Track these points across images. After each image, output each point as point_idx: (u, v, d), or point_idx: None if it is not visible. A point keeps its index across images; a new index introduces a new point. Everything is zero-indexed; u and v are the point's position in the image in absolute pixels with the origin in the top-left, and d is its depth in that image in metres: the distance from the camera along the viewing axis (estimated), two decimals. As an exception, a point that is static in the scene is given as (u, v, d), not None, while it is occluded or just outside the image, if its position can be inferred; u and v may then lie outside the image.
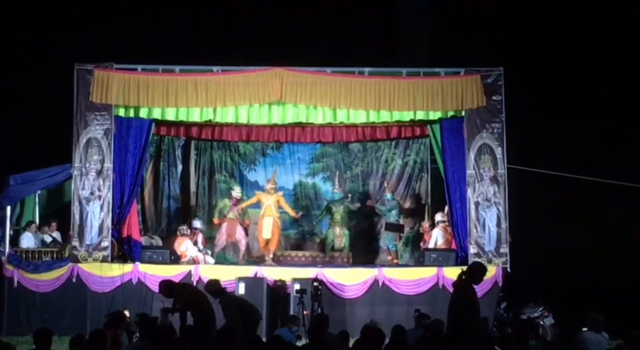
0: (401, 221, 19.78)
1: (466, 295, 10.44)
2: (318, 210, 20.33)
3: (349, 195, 19.92)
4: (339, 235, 19.32)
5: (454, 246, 17.69)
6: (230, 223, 19.10)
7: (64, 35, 19.73)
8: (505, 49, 19.42)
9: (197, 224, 18.91)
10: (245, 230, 19.31)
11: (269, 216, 18.83)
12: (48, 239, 17.90)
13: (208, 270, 16.89)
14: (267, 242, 18.76)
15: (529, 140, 18.85)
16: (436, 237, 18.28)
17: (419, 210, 19.97)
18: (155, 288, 16.14)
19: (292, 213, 19.38)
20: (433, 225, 18.58)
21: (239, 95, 17.17)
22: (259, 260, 18.95)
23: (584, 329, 10.57)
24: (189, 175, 20.49)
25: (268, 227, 18.69)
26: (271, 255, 18.57)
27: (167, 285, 13.18)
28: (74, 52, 18.27)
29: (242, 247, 19.16)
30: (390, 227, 19.52)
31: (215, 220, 19.55)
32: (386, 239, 19.80)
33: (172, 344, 9.58)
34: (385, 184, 20.18)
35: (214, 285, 13.29)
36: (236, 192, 19.35)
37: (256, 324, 13.19)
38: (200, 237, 18.70)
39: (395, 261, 19.33)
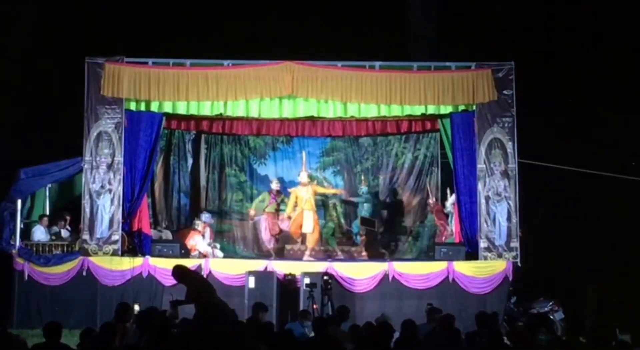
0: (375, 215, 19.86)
1: None
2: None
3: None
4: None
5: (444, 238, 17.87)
6: (270, 217, 19.14)
7: (75, 28, 19.75)
8: (516, 43, 19.36)
9: (205, 217, 18.87)
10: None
11: (309, 210, 18.56)
12: (65, 233, 17.93)
13: (218, 264, 16.93)
14: (308, 236, 18.61)
15: (539, 135, 18.80)
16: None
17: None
18: (165, 281, 16.25)
19: (334, 191, 19.57)
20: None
21: (249, 89, 17.12)
22: (268, 255, 18.95)
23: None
24: (199, 169, 20.46)
25: (309, 221, 18.47)
26: (308, 252, 18.45)
27: (180, 270, 13.05)
28: (85, 45, 18.30)
29: (267, 244, 19.26)
30: (364, 221, 19.51)
31: (252, 212, 19.48)
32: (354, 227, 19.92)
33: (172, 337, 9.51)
34: (362, 177, 20.14)
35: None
36: (275, 184, 19.33)
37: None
38: (208, 231, 18.68)
39: (353, 249, 19.45)
